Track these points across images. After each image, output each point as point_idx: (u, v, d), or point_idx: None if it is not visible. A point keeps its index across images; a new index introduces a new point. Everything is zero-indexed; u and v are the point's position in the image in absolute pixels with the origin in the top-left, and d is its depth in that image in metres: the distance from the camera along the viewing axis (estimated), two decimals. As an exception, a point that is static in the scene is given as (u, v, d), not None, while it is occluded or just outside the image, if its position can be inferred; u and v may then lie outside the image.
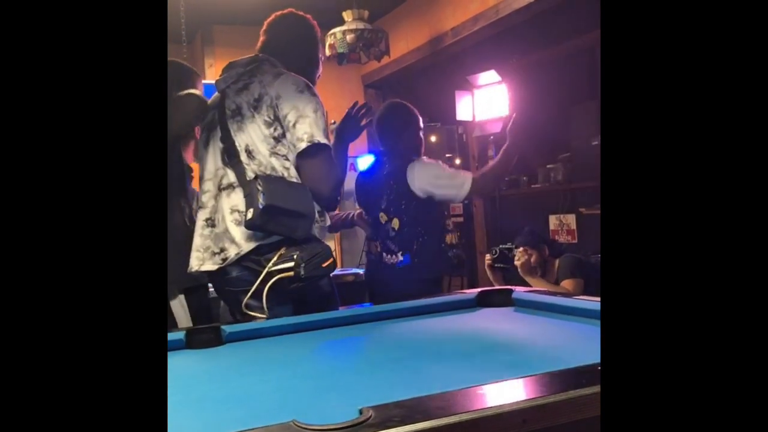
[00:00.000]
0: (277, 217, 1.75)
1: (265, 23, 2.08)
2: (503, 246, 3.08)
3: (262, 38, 2.06)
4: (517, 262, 2.91)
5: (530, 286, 2.75)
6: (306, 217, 1.79)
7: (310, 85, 1.87)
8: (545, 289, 2.69)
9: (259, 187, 1.74)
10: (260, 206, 1.72)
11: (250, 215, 1.74)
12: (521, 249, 2.93)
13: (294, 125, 1.79)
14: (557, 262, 3.01)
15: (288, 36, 2.04)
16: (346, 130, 2.18)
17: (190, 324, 1.93)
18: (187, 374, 1.28)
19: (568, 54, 4.96)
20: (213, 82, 2.04)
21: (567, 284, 2.84)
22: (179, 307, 1.96)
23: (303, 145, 1.78)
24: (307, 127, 1.78)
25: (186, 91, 2.00)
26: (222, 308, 2.25)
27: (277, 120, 1.83)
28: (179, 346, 1.46)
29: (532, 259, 2.97)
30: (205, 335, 1.50)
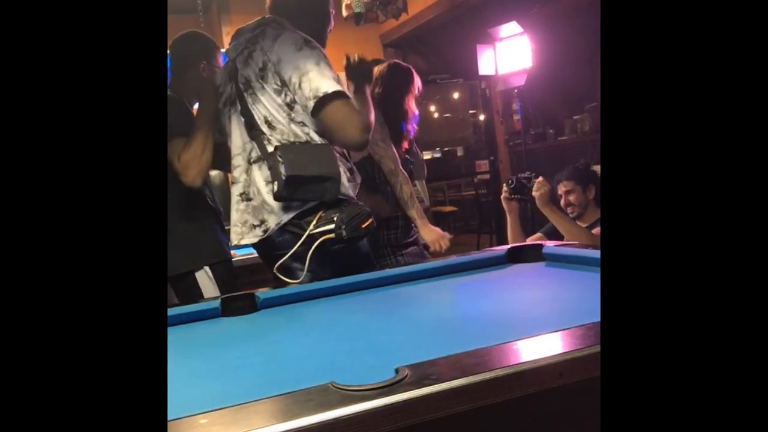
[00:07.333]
0: (302, 185, 1.74)
1: None
2: (521, 175, 2.83)
3: None
4: (535, 193, 2.66)
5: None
6: (332, 179, 1.77)
7: (309, 39, 1.82)
8: (564, 226, 2.59)
9: (280, 159, 1.74)
10: (283, 178, 1.72)
11: (275, 188, 1.75)
12: (540, 179, 2.76)
13: (300, 86, 1.76)
14: (599, 211, 2.82)
15: None
16: (354, 75, 1.97)
17: (217, 293, 1.96)
18: (224, 341, 1.31)
19: (592, 0, 4.82)
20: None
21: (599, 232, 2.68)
22: (205, 277, 1.99)
23: (311, 104, 1.75)
24: (311, 84, 1.74)
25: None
26: None
27: (285, 85, 1.80)
28: (215, 314, 1.49)
29: (572, 198, 2.83)
30: (240, 302, 1.53)
